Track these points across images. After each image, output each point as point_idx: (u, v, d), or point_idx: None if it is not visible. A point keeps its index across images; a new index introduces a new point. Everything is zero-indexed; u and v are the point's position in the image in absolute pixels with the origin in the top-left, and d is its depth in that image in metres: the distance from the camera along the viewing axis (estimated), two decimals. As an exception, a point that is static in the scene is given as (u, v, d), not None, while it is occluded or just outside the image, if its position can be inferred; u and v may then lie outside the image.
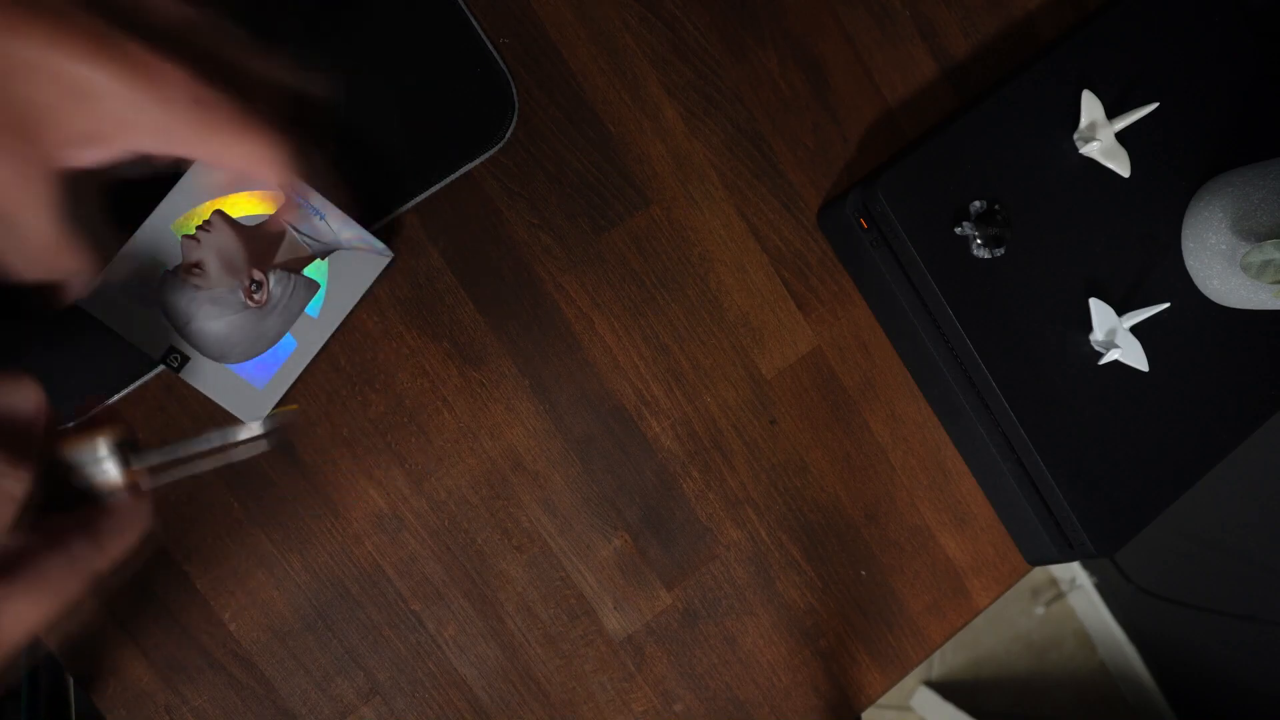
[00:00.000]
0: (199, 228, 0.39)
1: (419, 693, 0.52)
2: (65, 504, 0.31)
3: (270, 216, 0.41)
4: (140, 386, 0.48)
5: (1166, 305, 0.57)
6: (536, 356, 0.54)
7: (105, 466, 0.32)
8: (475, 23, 0.51)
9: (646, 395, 0.56)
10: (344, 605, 0.51)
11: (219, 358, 0.43)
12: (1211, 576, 1.41)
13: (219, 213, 0.39)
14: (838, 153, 0.59)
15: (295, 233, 0.41)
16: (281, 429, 0.34)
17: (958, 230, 0.55)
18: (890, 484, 0.60)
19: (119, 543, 0.33)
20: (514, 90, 0.52)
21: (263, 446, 0.34)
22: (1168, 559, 1.48)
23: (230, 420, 0.47)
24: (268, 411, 0.42)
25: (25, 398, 0.30)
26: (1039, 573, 1.76)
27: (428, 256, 0.52)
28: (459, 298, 0.53)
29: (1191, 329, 0.59)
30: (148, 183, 0.39)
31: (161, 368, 0.47)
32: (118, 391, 0.47)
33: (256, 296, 0.40)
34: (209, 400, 0.48)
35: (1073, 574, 1.75)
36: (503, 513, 0.54)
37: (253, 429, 0.34)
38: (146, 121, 0.31)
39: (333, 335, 0.50)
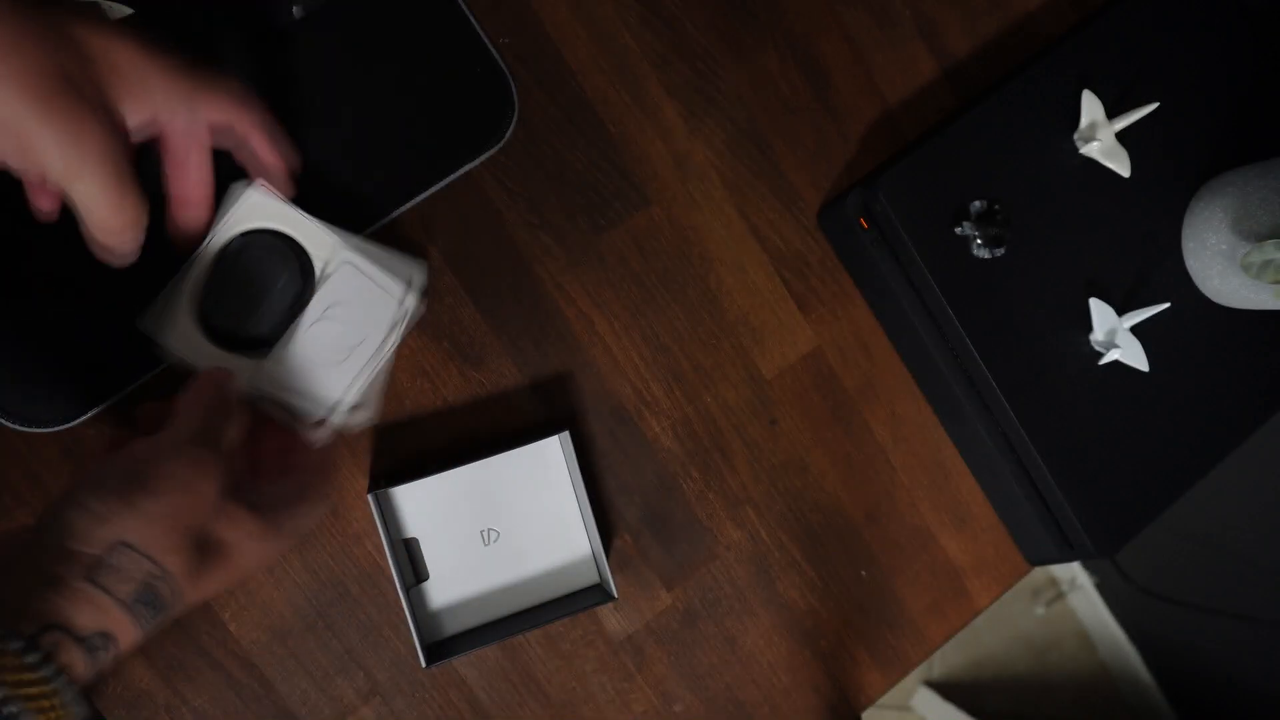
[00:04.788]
0: None
1: (419, 693, 0.52)
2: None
3: None
4: (141, 385, 0.48)
5: (1167, 305, 0.57)
6: (536, 356, 0.54)
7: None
8: (475, 23, 0.51)
9: (646, 395, 0.56)
10: (344, 605, 0.51)
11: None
12: (1211, 576, 1.41)
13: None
14: (838, 153, 0.59)
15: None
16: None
17: (958, 230, 0.55)
18: (891, 484, 0.60)
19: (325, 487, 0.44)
20: (514, 90, 0.52)
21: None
22: (1168, 559, 1.48)
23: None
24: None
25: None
26: (1039, 573, 1.76)
27: (428, 256, 0.52)
28: (459, 298, 0.53)
29: (1191, 329, 0.59)
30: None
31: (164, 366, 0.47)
32: (122, 389, 0.47)
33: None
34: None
35: (1073, 574, 1.75)
36: (503, 513, 0.54)
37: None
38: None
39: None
